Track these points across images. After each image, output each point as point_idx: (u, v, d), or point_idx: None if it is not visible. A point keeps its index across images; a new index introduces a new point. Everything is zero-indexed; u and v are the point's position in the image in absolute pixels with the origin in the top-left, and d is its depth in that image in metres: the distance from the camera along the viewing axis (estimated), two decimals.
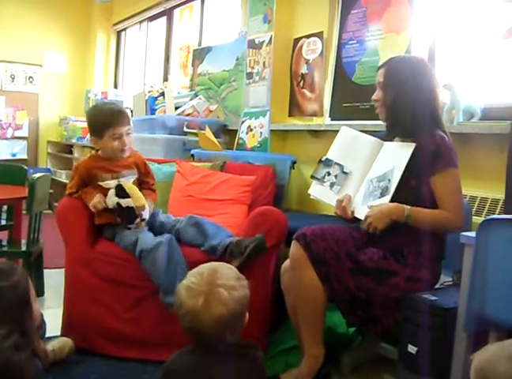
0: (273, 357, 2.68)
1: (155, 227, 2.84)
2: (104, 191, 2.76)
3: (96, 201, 2.72)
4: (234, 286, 1.58)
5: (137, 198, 2.71)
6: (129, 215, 2.72)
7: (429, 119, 2.29)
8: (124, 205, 2.69)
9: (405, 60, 2.43)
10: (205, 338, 1.55)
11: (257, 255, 2.52)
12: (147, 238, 2.63)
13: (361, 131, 2.59)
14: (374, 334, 2.36)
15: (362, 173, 2.44)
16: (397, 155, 2.31)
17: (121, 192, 2.70)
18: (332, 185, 2.49)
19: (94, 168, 2.82)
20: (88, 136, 2.94)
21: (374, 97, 2.45)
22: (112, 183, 2.77)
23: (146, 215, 2.76)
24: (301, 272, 2.31)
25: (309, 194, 2.58)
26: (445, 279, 2.36)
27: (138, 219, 2.72)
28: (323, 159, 2.55)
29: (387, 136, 2.47)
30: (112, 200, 2.71)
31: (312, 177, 2.56)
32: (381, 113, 2.45)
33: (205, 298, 1.52)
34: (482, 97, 2.78)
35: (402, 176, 2.24)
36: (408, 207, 2.21)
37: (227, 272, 1.63)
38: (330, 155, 2.55)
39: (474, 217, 2.54)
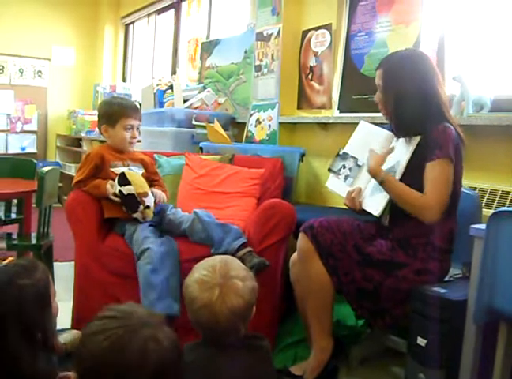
0: (282, 349, 2.68)
1: (163, 224, 2.84)
2: (115, 177, 2.78)
3: (110, 189, 2.75)
4: (246, 276, 1.58)
5: (138, 185, 2.72)
6: (131, 203, 2.72)
7: (433, 116, 2.26)
8: (125, 192, 2.70)
9: (402, 58, 2.35)
10: (221, 330, 1.53)
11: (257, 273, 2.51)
12: (140, 239, 2.64)
13: (372, 124, 2.58)
14: (383, 326, 2.36)
15: None
16: (403, 149, 2.31)
17: (123, 179, 2.71)
18: (346, 177, 2.50)
19: (106, 154, 2.88)
20: (99, 126, 2.96)
21: (375, 99, 2.44)
22: (124, 170, 2.82)
23: (150, 202, 2.75)
24: (308, 264, 2.31)
25: (320, 186, 2.58)
26: (454, 271, 2.35)
27: (141, 207, 2.72)
28: (340, 152, 2.56)
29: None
30: (115, 187, 2.73)
31: (329, 170, 2.58)
32: (384, 114, 2.44)
33: (220, 290, 1.50)
34: (492, 89, 2.76)
35: (406, 168, 2.25)
36: (389, 174, 2.25)
37: (236, 263, 1.63)
38: (347, 148, 2.56)
39: (484, 209, 2.52)
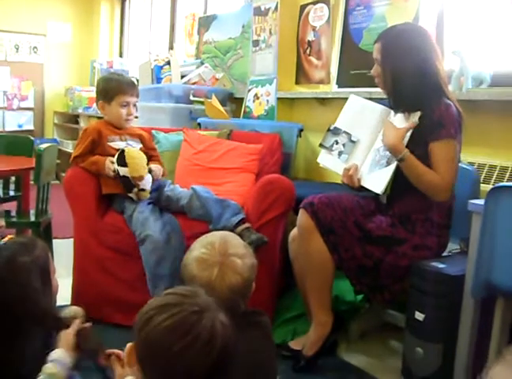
0: (281, 324, 2.70)
1: (161, 201, 2.85)
2: (113, 152, 2.80)
3: (110, 166, 2.75)
4: (245, 254, 1.57)
5: (134, 168, 2.72)
6: (126, 184, 2.74)
7: (432, 90, 2.24)
8: (121, 173, 2.72)
9: (401, 32, 2.32)
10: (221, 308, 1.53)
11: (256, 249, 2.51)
12: (140, 220, 2.66)
13: (368, 98, 2.56)
14: (382, 301, 2.37)
15: (369, 142, 2.42)
16: (402, 125, 2.28)
17: (121, 159, 2.72)
18: (340, 153, 2.47)
19: (104, 129, 2.88)
20: (96, 102, 2.96)
21: (373, 73, 2.40)
22: (122, 144, 2.84)
23: (146, 185, 2.76)
24: (309, 241, 2.32)
25: (317, 162, 2.57)
26: (452, 246, 2.36)
27: (136, 189, 2.74)
28: (331, 127, 2.52)
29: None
30: (114, 164, 2.75)
31: (320, 145, 2.54)
32: (382, 88, 2.41)
33: (219, 269, 1.49)
34: (491, 63, 2.74)
35: (407, 145, 2.22)
36: (409, 154, 2.19)
37: (236, 240, 1.62)
38: (339, 123, 2.52)
39: (482, 185, 2.52)
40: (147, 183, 2.77)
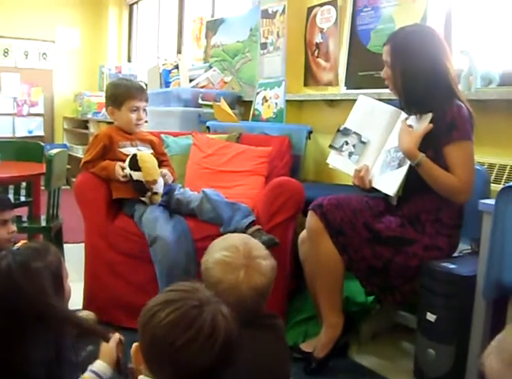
0: (292, 327, 2.70)
1: (171, 205, 2.86)
2: (124, 158, 2.80)
3: (120, 171, 2.76)
4: (267, 255, 1.57)
5: (147, 173, 2.72)
6: (139, 188, 2.75)
7: (443, 91, 2.23)
8: (135, 178, 2.72)
9: (410, 33, 2.31)
10: (245, 310, 1.51)
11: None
12: (150, 219, 2.67)
13: (377, 100, 2.56)
14: (393, 303, 2.36)
15: (380, 143, 2.41)
16: (414, 126, 2.28)
17: (134, 164, 2.72)
18: (350, 154, 2.47)
19: (115, 135, 2.89)
20: (106, 108, 2.98)
21: (383, 75, 2.39)
22: (132, 150, 2.85)
23: (159, 189, 2.77)
24: (318, 242, 2.32)
25: (327, 163, 2.56)
26: (463, 247, 2.35)
27: (149, 193, 2.75)
28: (341, 128, 2.52)
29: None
30: (127, 169, 2.75)
31: (330, 146, 2.54)
32: (392, 90, 2.40)
33: (245, 271, 1.49)
34: (500, 63, 2.74)
35: (419, 147, 2.20)
36: (426, 158, 2.17)
37: (255, 242, 1.62)
38: (348, 124, 2.52)
39: (492, 185, 2.51)
40: (160, 187, 2.78)
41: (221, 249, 1.55)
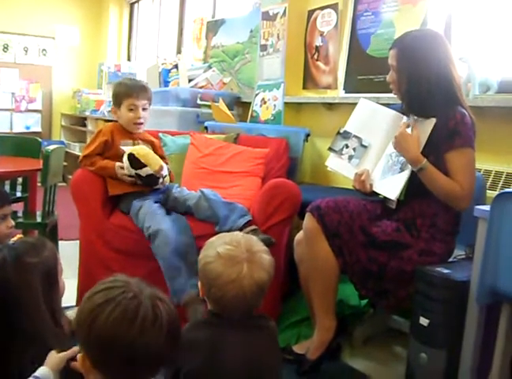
0: (285, 328, 2.70)
1: (169, 203, 2.86)
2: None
3: (120, 169, 2.80)
4: (267, 250, 1.59)
5: (153, 163, 2.75)
6: (151, 181, 2.79)
7: (446, 96, 2.23)
8: (144, 174, 2.74)
9: (417, 38, 2.31)
10: (243, 305, 1.52)
11: None
12: (148, 213, 2.67)
13: (373, 102, 2.56)
14: (386, 307, 2.37)
15: (381, 147, 2.41)
16: (418, 128, 2.27)
17: (135, 163, 2.72)
18: (350, 158, 2.46)
19: (118, 132, 2.93)
20: (111, 108, 3.01)
21: (388, 79, 2.39)
22: (129, 149, 2.83)
23: (165, 171, 2.84)
24: (314, 245, 2.32)
25: (324, 166, 2.56)
26: (458, 252, 2.36)
27: (161, 179, 2.81)
28: (341, 131, 2.51)
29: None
30: (130, 171, 2.76)
31: (330, 149, 2.53)
32: (397, 94, 2.40)
33: (247, 265, 1.49)
34: (499, 70, 2.74)
35: (421, 152, 2.21)
36: (428, 164, 2.17)
37: (254, 238, 1.63)
38: (348, 127, 2.50)
39: (488, 191, 2.52)
40: (165, 168, 2.84)
41: (223, 244, 1.55)
